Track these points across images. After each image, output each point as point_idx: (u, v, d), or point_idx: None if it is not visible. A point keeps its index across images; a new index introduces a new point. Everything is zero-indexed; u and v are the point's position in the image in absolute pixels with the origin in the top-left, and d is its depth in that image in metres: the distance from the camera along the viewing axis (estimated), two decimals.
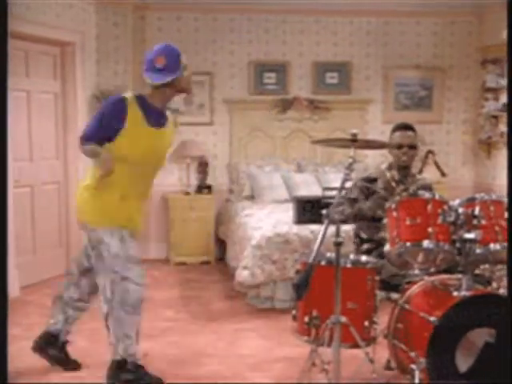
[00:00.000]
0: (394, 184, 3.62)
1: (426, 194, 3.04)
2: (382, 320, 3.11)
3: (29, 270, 5.33)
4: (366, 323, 2.98)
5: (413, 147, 3.60)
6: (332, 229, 2.80)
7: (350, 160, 2.84)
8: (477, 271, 3.04)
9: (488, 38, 6.51)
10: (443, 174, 5.48)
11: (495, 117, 6.45)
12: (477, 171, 6.91)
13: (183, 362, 3.67)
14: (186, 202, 6.30)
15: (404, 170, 3.64)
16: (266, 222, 5.01)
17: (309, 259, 2.68)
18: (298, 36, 6.65)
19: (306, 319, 2.99)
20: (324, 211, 2.77)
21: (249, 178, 6.35)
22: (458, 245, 2.89)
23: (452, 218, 2.91)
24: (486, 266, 3.00)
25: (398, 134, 3.62)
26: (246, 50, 6.58)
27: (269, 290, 4.71)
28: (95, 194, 3.16)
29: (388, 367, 3.31)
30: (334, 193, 2.90)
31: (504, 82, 6.15)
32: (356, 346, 2.92)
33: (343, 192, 2.80)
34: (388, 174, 3.66)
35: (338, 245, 2.81)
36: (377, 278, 3.09)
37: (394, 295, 3.26)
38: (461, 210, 2.92)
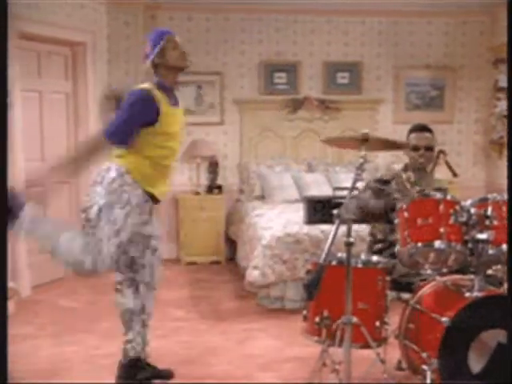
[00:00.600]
0: (408, 186, 3.58)
1: (438, 194, 3.02)
2: (393, 320, 3.10)
3: (40, 270, 5.35)
4: (377, 323, 2.97)
5: (429, 149, 3.55)
6: (343, 229, 2.79)
7: (361, 160, 2.82)
8: (489, 272, 3.02)
9: (500, 38, 6.47)
10: (455, 175, 5.43)
11: (507, 116, 6.41)
12: (488, 171, 6.86)
13: (193, 362, 3.68)
14: (197, 201, 6.31)
15: (420, 171, 3.59)
16: (276, 221, 5.01)
17: (319, 259, 2.67)
18: (309, 36, 6.64)
19: (317, 319, 2.98)
20: (335, 211, 2.76)
21: (259, 178, 6.34)
22: (470, 245, 2.87)
23: (464, 219, 2.89)
24: (499, 266, 2.98)
25: (414, 135, 3.56)
26: (257, 49, 6.58)
27: (279, 290, 4.70)
28: None
29: (399, 368, 3.29)
30: (344, 193, 2.89)
31: None
32: (367, 346, 2.91)
33: (354, 192, 2.78)
34: (404, 176, 3.61)
35: (349, 245, 2.80)
36: (388, 278, 3.07)
37: (405, 295, 3.25)
38: (473, 211, 2.90)
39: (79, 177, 3.10)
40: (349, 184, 2.84)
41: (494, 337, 2.73)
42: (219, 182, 6.52)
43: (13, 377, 3.01)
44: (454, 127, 6.86)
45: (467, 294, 2.80)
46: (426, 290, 3.05)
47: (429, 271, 3.01)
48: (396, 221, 3.08)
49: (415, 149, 3.53)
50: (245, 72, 6.62)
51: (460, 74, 6.80)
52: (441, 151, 5.82)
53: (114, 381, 3.34)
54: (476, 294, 2.78)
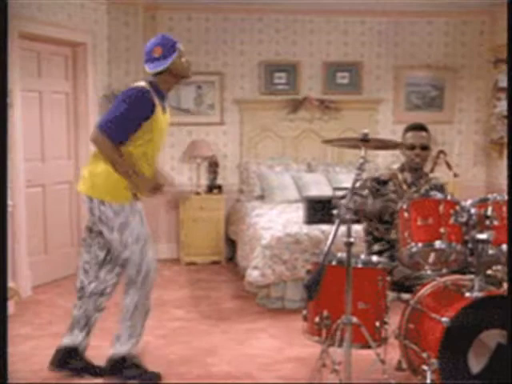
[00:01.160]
0: (405, 187, 3.58)
1: (438, 195, 3.02)
2: (394, 320, 3.10)
3: (40, 270, 5.35)
4: (377, 323, 2.97)
5: (426, 148, 3.54)
6: (343, 229, 2.79)
7: (361, 160, 2.83)
8: (489, 272, 3.02)
9: (500, 38, 6.47)
10: (455, 175, 5.45)
11: (507, 116, 6.41)
12: (488, 171, 6.86)
13: (193, 362, 3.68)
14: (197, 201, 6.31)
15: (416, 171, 3.59)
16: (276, 222, 5.01)
17: (319, 259, 2.67)
18: (309, 36, 6.64)
19: (317, 319, 2.98)
20: (335, 211, 2.77)
21: (259, 178, 6.34)
22: (470, 245, 2.87)
23: (464, 219, 2.89)
24: (499, 266, 2.98)
25: (410, 134, 3.56)
26: (257, 50, 6.58)
27: (279, 290, 4.70)
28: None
29: (399, 368, 3.30)
30: (344, 193, 2.89)
31: None
32: (367, 346, 2.91)
33: (353, 188, 2.78)
34: (400, 176, 3.61)
35: (349, 245, 2.80)
36: (388, 278, 3.07)
37: (406, 296, 3.25)
38: (473, 211, 2.90)
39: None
40: (349, 184, 2.84)
41: (493, 337, 2.73)
42: (219, 182, 6.52)
43: (12, 377, 3.01)
44: (454, 127, 6.86)
45: (467, 294, 2.80)
46: (426, 290, 3.05)
47: (429, 271, 3.01)
48: (396, 221, 3.08)
49: (411, 148, 3.53)
50: (245, 72, 6.62)
51: (460, 74, 6.80)
52: (441, 151, 5.85)
53: (113, 381, 3.34)
54: (476, 294, 2.78)
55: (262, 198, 6.25)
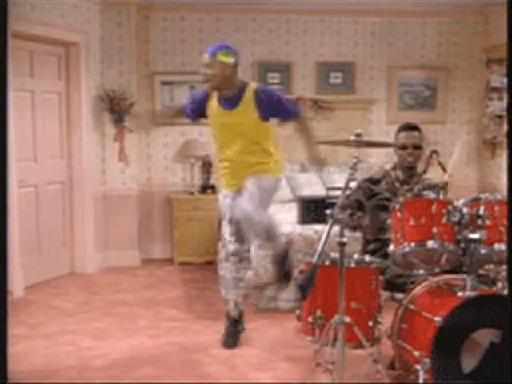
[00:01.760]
0: (398, 185, 3.60)
1: (431, 194, 3.03)
2: (387, 320, 3.11)
3: (33, 270, 5.34)
4: (370, 323, 2.98)
5: (418, 148, 3.56)
6: (336, 229, 2.79)
7: (354, 160, 2.83)
8: (481, 271, 3.03)
9: (493, 38, 6.50)
10: (444, 170, 5.46)
11: (500, 117, 6.43)
12: (481, 171, 6.89)
13: (187, 362, 3.67)
14: (190, 201, 6.30)
15: (409, 170, 3.61)
16: None
17: (313, 259, 2.68)
18: (302, 36, 6.64)
19: (310, 319, 2.99)
20: (328, 211, 2.77)
21: None
22: (462, 245, 2.88)
23: (456, 218, 2.90)
24: (491, 266, 3.00)
25: (403, 134, 3.58)
26: (250, 50, 6.58)
27: (272, 290, 4.70)
28: None
29: (392, 367, 3.30)
30: (337, 193, 2.90)
31: None
32: (360, 346, 2.91)
33: (347, 193, 2.79)
34: (393, 175, 3.64)
35: (342, 245, 2.81)
36: (381, 277, 3.08)
37: (399, 295, 3.26)
38: (465, 210, 2.91)
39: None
40: (342, 184, 2.84)
41: (486, 336, 2.74)
42: (213, 182, 6.52)
43: (7, 377, 2.99)
44: (446, 127, 6.88)
45: (460, 294, 2.81)
46: (419, 289, 3.06)
47: (422, 271, 3.02)
48: (389, 221, 3.09)
49: (403, 147, 3.55)
50: (238, 72, 6.59)
51: (453, 75, 6.82)
52: (434, 151, 5.86)
53: (107, 381, 3.34)
54: (468, 293, 2.79)
55: None
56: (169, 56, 6.43)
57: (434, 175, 5.37)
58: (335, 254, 3.05)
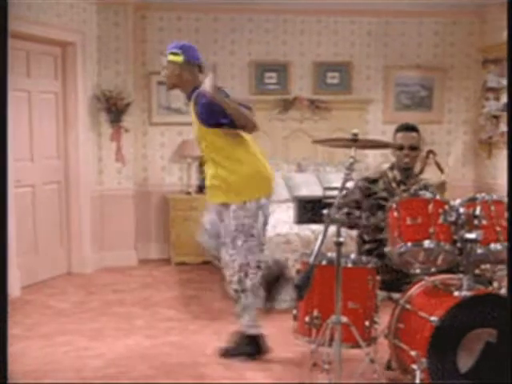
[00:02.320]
0: (394, 185, 3.60)
1: (427, 194, 3.04)
2: (383, 320, 3.11)
3: (30, 270, 5.33)
4: (367, 323, 2.98)
5: (415, 149, 3.56)
6: (333, 229, 2.80)
7: (351, 160, 2.83)
8: (478, 271, 3.04)
9: (489, 38, 6.51)
10: (441, 171, 5.47)
11: (496, 117, 6.45)
12: (477, 171, 6.90)
13: (184, 362, 3.67)
14: (187, 201, 6.30)
15: (406, 171, 3.61)
16: None
17: (309, 259, 2.68)
18: (299, 36, 6.65)
19: (307, 319, 3.00)
20: (325, 211, 2.77)
21: None
22: (458, 245, 2.89)
23: (453, 218, 2.91)
24: (487, 266, 3.00)
25: (400, 134, 3.58)
26: (247, 49, 6.58)
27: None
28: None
29: (389, 367, 3.31)
30: (334, 192, 2.90)
31: (505, 81, 6.15)
32: (357, 346, 2.92)
33: (344, 193, 2.79)
34: (390, 175, 3.64)
35: (339, 245, 2.81)
36: (378, 277, 3.08)
37: (395, 295, 3.26)
38: (462, 210, 2.92)
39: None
40: (339, 184, 2.85)
41: (482, 336, 2.75)
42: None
43: (7, 377, 2.99)
44: (443, 127, 6.90)
45: (456, 294, 2.82)
46: (416, 289, 3.06)
47: (418, 271, 3.03)
48: (385, 221, 3.10)
49: (401, 148, 3.55)
50: (235, 72, 6.62)
51: (450, 74, 6.84)
52: (430, 151, 5.86)
53: (104, 381, 3.33)
54: (465, 293, 2.80)
55: None
56: None
57: (430, 175, 5.39)
58: (332, 254, 3.05)
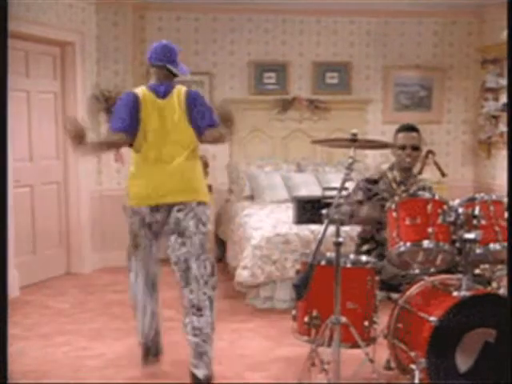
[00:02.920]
0: (395, 185, 3.61)
1: (426, 194, 3.05)
2: (382, 320, 3.11)
3: (29, 270, 5.33)
4: (366, 323, 2.98)
5: (416, 149, 3.58)
6: (332, 229, 2.80)
7: (350, 160, 2.84)
8: (477, 271, 3.04)
9: (488, 38, 6.52)
10: (443, 175, 5.47)
11: (495, 117, 6.45)
12: (477, 171, 6.91)
13: (183, 362, 3.67)
14: None
15: (406, 171, 3.62)
16: (265, 222, 5.01)
17: (309, 259, 2.68)
18: (298, 36, 6.65)
19: (306, 319, 3.00)
20: (324, 211, 2.77)
21: (249, 178, 6.34)
22: (457, 245, 2.89)
23: (452, 218, 2.91)
24: (486, 266, 3.00)
25: (401, 134, 3.60)
26: (246, 49, 6.58)
27: (269, 290, 4.71)
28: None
29: (388, 367, 3.31)
30: (333, 193, 2.90)
31: (504, 81, 6.15)
32: (356, 346, 2.92)
33: (344, 193, 2.80)
34: (390, 175, 3.64)
35: (338, 245, 2.81)
36: (377, 278, 3.09)
37: (394, 295, 3.27)
38: (461, 210, 2.92)
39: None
40: (338, 184, 2.85)
41: (481, 336, 2.75)
42: (209, 182, 6.50)
43: (7, 377, 2.99)
44: (442, 127, 6.90)
45: (455, 294, 2.82)
46: (415, 289, 3.06)
47: (417, 271, 3.03)
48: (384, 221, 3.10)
49: (402, 148, 3.56)
50: (234, 72, 6.62)
51: (449, 75, 6.84)
52: (429, 151, 5.87)
53: (102, 381, 3.33)
54: (464, 293, 2.80)
55: (251, 198, 6.25)
56: None
57: (429, 175, 5.40)
58: (331, 254, 3.05)
